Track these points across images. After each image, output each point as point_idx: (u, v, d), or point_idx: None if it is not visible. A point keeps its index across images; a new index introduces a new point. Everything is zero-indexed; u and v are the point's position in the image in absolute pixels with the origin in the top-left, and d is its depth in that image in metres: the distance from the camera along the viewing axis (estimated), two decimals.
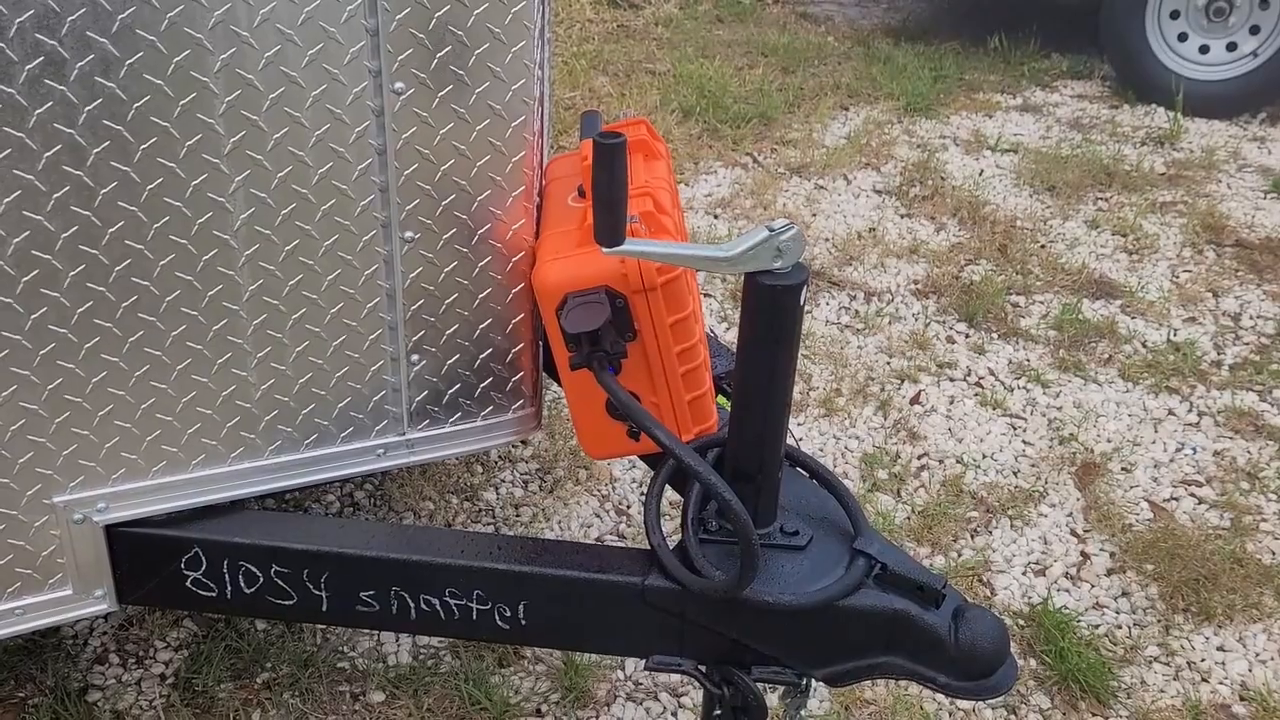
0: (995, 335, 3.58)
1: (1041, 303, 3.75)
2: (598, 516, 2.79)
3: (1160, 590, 2.57)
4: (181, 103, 1.48)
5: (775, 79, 5.75)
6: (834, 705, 2.26)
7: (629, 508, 2.82)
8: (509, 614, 1.73)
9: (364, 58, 1.56)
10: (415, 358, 1.78)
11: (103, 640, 2.36)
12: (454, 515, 2.76)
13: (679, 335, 1.67)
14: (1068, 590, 2.59)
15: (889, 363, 3.42)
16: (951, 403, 3.25)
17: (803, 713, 1.76)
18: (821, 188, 4.60)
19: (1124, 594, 2.58)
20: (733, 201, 4.43)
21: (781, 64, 5.99)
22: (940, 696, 2.26)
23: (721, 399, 1.92)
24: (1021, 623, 2.48)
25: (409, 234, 1.69)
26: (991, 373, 3.39)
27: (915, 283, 3.87)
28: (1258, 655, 2.42)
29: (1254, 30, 5.24)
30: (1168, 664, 2.40)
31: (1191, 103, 5.26)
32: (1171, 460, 3.02)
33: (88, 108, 1.43)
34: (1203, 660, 2.40)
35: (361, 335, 1.73)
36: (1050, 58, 6.10)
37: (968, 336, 3.57)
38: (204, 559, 1.75)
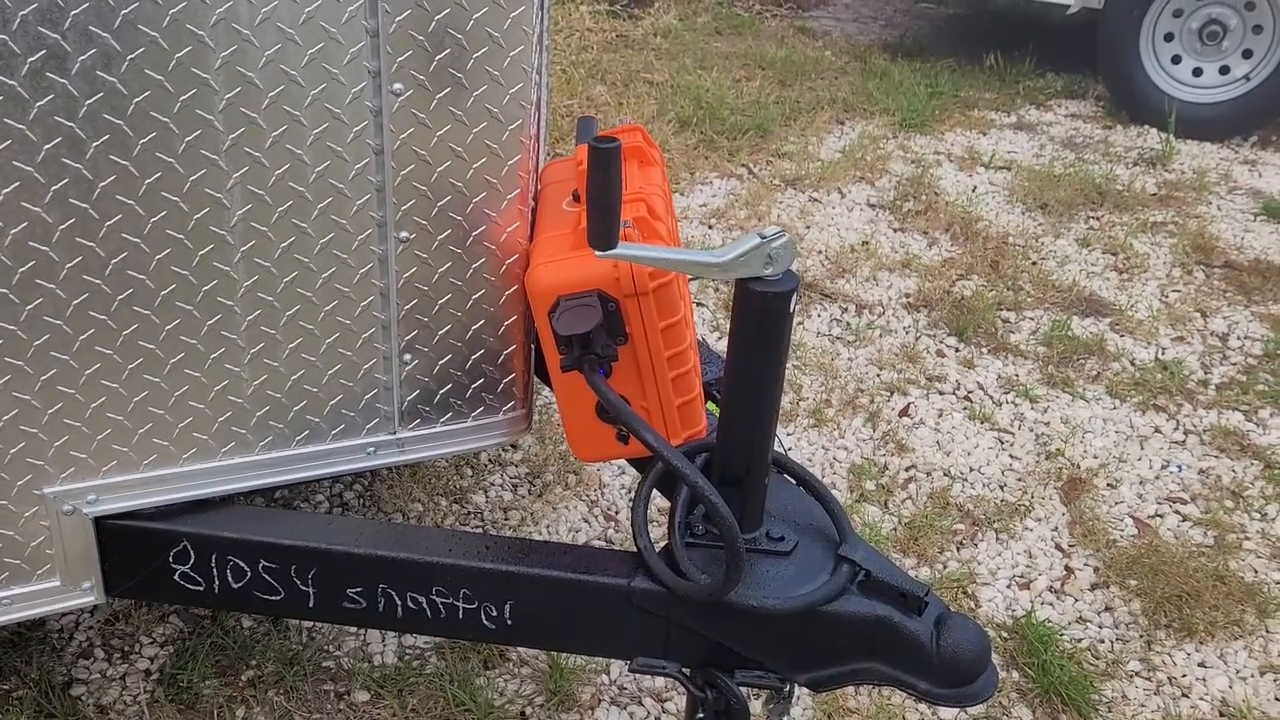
0: (985, 350, 3.60)
1: (1031, 319, 3.78)
2: (586, 521, 2.80)
3: (1143, 605, 2.59)
4: (181, 99, 1.50)
5: (772, 92, 5.78)
6: (817, 713, 2.27)
7: (617, 513, 2.83)
8: (495, 614, 1.74)
9: (364, 58, 1.57)
10: (407, 357, 1.80)
11: (88, 635, 2.36)
12: (442, 517, 2.77)
13: (670, 340, 1.69)
14: (1051, 604, 2.61)
15: (879, 375, 3.44)
16: (940, 416, 3.26)
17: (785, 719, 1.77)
18: (816, 200, 4.62)
19: (1107, 609, 2.59)
20: (727, 212, 4.46)
21: (779, 77, 6.02)
22: (923, 706, 2.27)
23: (711, 405, 1.93)
24: (1005, 635, 2.49)
25: (404, 234, 1.70)
26: (980, 387, 3.41)
27: (907, 296, 3.90)
28: (1238, 672, 2.43)
29: (1246, 54, 5.29)
30: (1149, 679, 2.41)
31: (1184, 125, 5.31)
32: (1157, 477, 3.04)
33: (88, 101, 1.45)
34: (1184, 676, 2.42)
35: (355, 333, 1.74)
36: (1045, 77, 6.15)
37: (958, 351, 3.59)
38: (192, 553, 1.75)
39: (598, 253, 1.51)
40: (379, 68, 1.59)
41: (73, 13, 1.40)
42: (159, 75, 1.47)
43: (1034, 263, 4.16)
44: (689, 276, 1.80)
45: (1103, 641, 2.50)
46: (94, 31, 1.42)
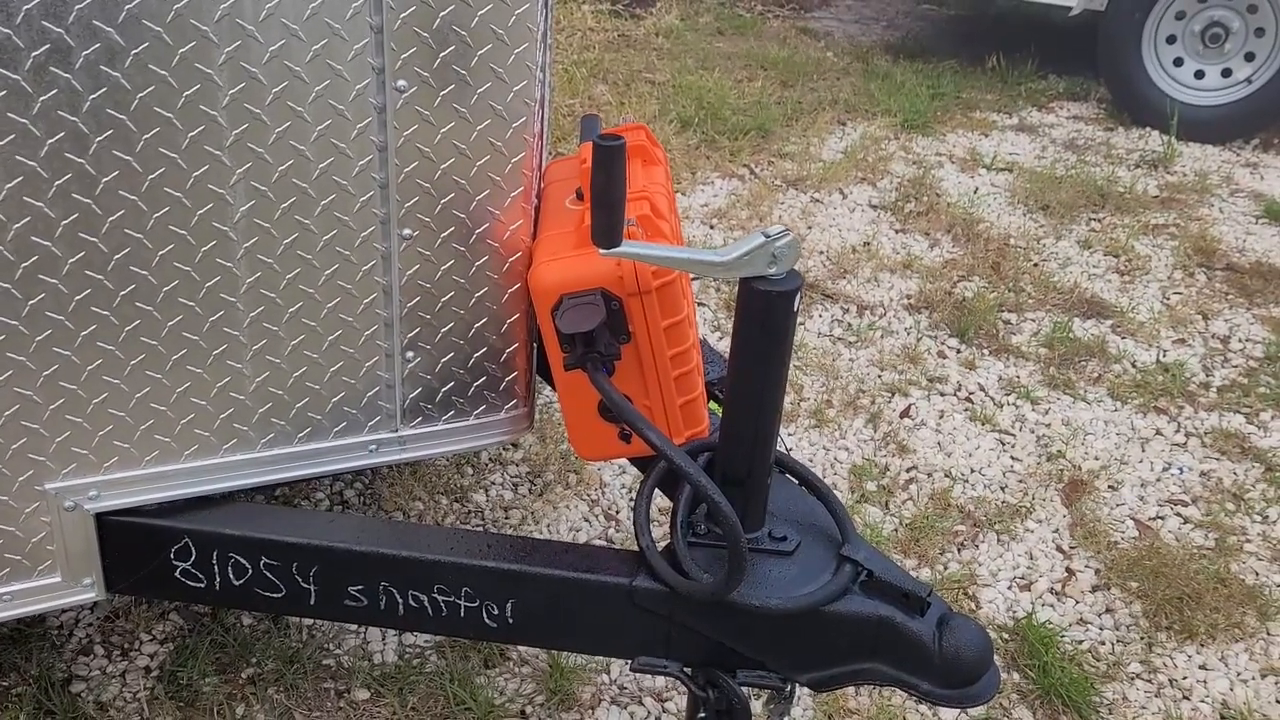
0: (986, 351, 3.60)
1: (1033, 320, 3.78)
2: (587, 521, 2.80)
3: (1144, 608, 2.59)
4: (185, 94, 1.49)
5: (774, 92, 5.78)
6: (817, 714, 2.26)
7: (618, 513, 2.82)
8: (497, 612, 1.74)
9: (367, 55, 1.57)
10: (410, 354, 1.79)
11: (88, 631, 2.36)
12: (443, 516, 2.77)
13: (673, 339, 1.69)
14: (1052, 605, 2.60)
15: (880, 376, 3.44)
16: (941, 417, 3.26)
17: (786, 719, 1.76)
18: (817, 201, 4.62)
19: (1108, 610, 2.59)
20: (729, 212, 4.45)
21: (781, 77, 6.02)
22: (924, 707, 2.27)
23: (713, 404, 1.93)
24: (1005, 637, 2.49)
25: (407, 231, 1.70)
26: (982, 388, 3.41)
27: (908, 297, 3.89)
28: (1239, 674, 2.43)
29: (1249, 57, 5.29)
30: (1150, 681, 2.41)
31: (1186, 127, 5.31)
32: (1158, 480, 3.04)
33: (92, 96, 1.45)
34: (1185, 678, 2.41)
35: (357, 330, 1.74)
36: (1047, 79, 6.15)
37: (959, 352, 3.59)
38: (194, 550, 1.75)
39: (601, 251, 1.51)
40: (383, 64, 1.58)
41: (77, 7, 1.40)
42: (163, 70, 1.47)
43: (1035, 264, 4.16)
44: (691, 275, 1.79)
45: (1104, 643, 2.50)
46: (98, 26, 1.41)
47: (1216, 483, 3.03)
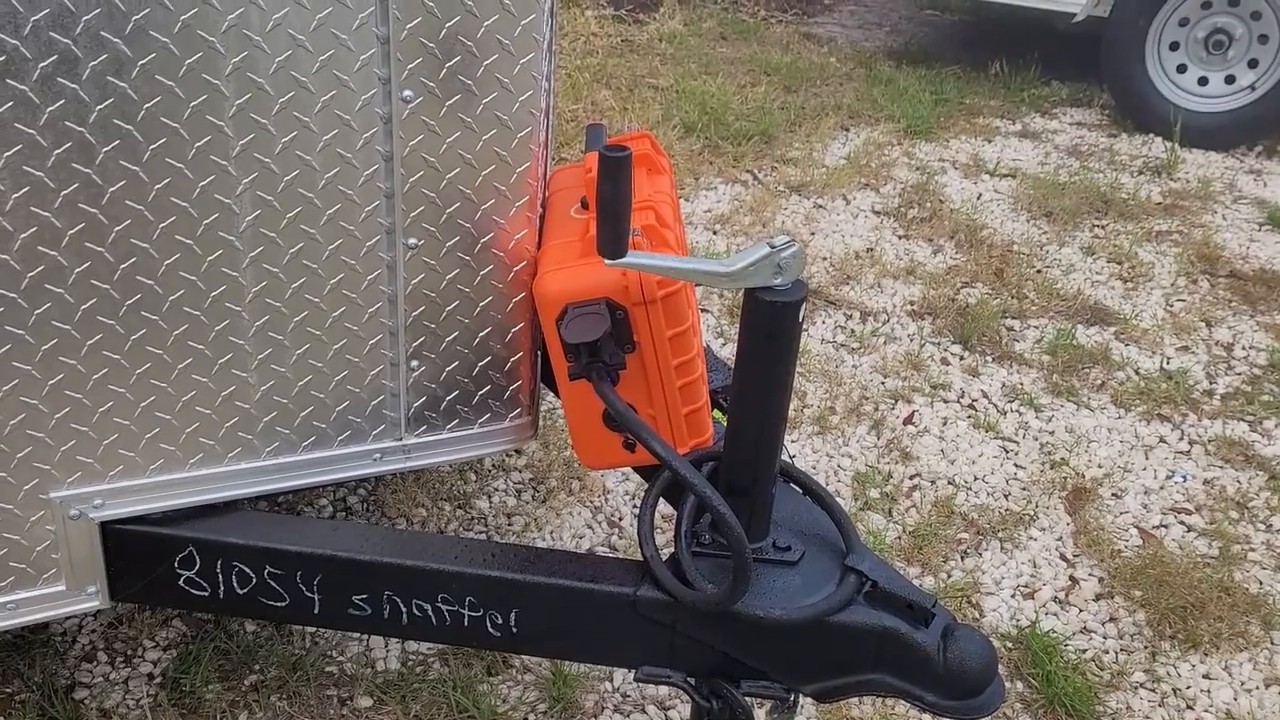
0: (989, 358, 3.60)
1: (1036, 327, 3.78)
2: (590, 528, 2.80)
3: (1148, 616, 2.58)
4: (192, 104, 1.50)
5: (777, 97, 5.78)
6: None
7: (621, 520, 2.82)
8: (500, 621, 1.74)
9: (374, 65, 1.57)
10: (414, 363, 1.79)
11: (91, 638, 2.36)
12: (446, 522, 2.77)
13: (677, 348, 1.69)
14: (1056, 614, 2.60)
15: (883, 382, 3.44)
16: (944, 424, 3.26)
17: None
18: (820, 207, 4.62)
19: (1112, 619, 2.59)
20: (732, 218, 4.46)
21: (784, 83, 6.02)
22: (928, 717, 2.26)
23: (717, 413, 1.93)
24: (1009, 645, 2.49)
25: (412, 240, 1.70)
26: (985, 395, 3.40)
27: (911, 304, 3.89)
28: (1243, 684, 2.43)
29: (1252, 64, 5.29)
30: (1153, 690, 2.41)
31: (1189, 134, 5.31)
32: (1161, 487, 3.04)
33: (99, 107, 1.45)
34: (1188, 687, 2.41)
35: (362, 340, 1.74)
36: (1050, 85, 6.15)
37: (962, 359, 3.59)
38: (198, 558, 1.75)
39: (607, 261, 1.51)
40: (389, 74, 1.59)
41: (84, 18, 1.40)
42: (170, 81, 1.47)
43: (1039, 271, 4.16)
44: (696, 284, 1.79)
45: (1107, 652, 2.50)
46: (105, 37, 1.42)
47: (1220, 491, 3.02)
